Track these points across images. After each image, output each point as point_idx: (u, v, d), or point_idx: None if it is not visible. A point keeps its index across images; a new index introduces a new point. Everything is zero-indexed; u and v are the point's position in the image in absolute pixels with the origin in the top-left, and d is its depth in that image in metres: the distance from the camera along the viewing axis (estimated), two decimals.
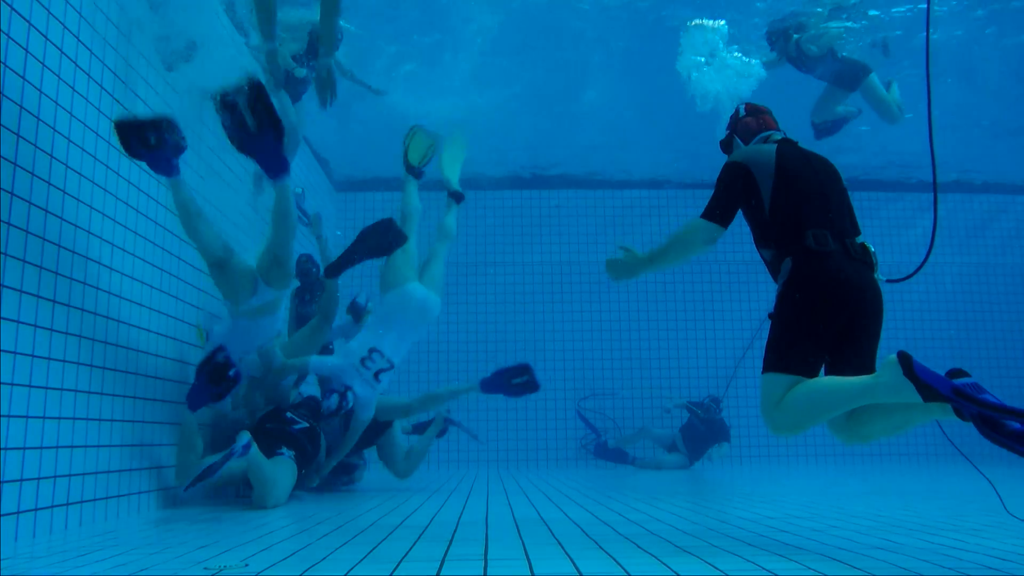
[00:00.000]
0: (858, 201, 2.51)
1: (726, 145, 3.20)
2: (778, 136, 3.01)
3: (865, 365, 2.57)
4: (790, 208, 2.69)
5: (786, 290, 2.64)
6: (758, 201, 2.73)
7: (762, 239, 2.79)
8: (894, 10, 7.23)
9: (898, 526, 3.13)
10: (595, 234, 9.88)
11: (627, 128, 8.83)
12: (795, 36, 6.93)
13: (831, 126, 7.55)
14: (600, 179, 9.99)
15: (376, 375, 5.05)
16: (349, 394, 4.92)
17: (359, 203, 9.85)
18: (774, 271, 2.76)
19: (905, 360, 2.16)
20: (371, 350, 5.07)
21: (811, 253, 2.61)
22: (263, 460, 4.19)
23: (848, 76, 7.05)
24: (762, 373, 2.61)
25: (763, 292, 9.61)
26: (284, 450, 4.63)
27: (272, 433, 4.67)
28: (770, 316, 2.71)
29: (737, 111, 3.18)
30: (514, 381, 5.68)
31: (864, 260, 2.68)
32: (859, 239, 2.74)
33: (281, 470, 4.42)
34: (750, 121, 3.10)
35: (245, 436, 4.15)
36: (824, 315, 2.55)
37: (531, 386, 5.64)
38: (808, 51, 6.87)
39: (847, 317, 2.57)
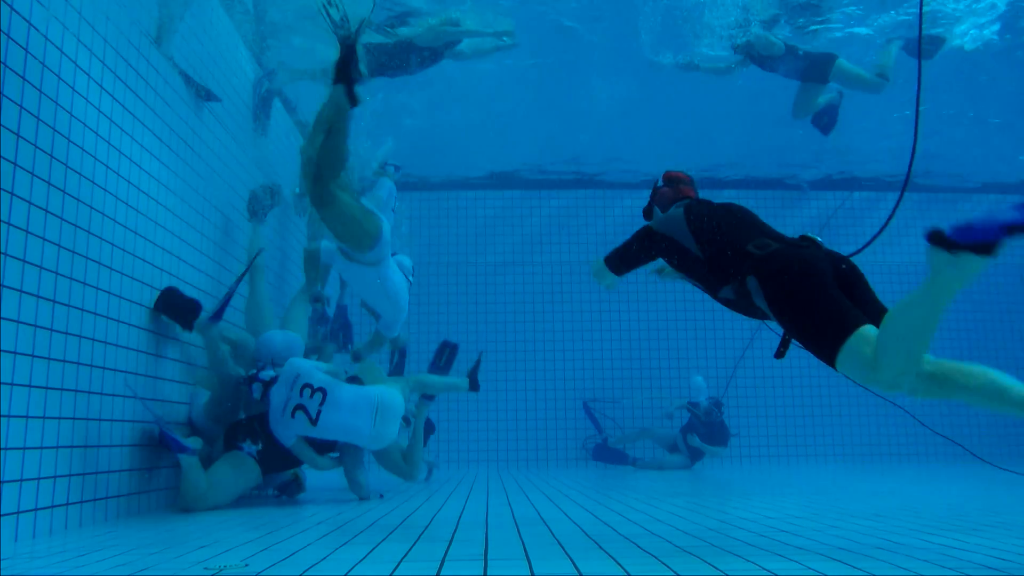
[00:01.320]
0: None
1: (647, 213, 3.42)
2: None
3: (881, 311, 2.54)
4: (720, 241, 2.78)
5: (773, 294, 2.61)
6: (691, 255, 2.86)
7: (715, 282, 2.83)
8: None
9: (898, 526, 3.13)
10: (597, 235, 9.88)
11: (632, 129, 8.83)
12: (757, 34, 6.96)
13: (827, 118, 7.54)
14: (603, 180, 9.99)
15: (295, 409, 4.44)
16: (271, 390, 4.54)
17: None
18: (745, 298, 2.75)
19: (936, 234, 2.05)
20: (318, 390, 4.47)
21: (762, 257, 2.65)
22: (193, 468, 4.06)
23: (815, 70, 7.05)
24: (835, 358, 2.42)
25: None
26: (247, 444, 4.43)
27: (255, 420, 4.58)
28: (784, 340, 2.66)
29: (656, 181, 3.38)
30: (440, 363, 5.97)
31: (812, 244, 2.71)
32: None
33: (223, 471, 4.28)
34: (667, 191, 3.31)
35: (198, 442, 4.20)
36: (815, 279, 2.54)
37: (454, 351, 6.05)
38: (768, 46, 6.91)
39: (830, 279, 2.55)
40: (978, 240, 1.98)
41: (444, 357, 6.08)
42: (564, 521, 3.39)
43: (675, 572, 2.09)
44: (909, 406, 8.52)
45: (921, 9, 3.11)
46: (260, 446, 4.47)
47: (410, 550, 2.54)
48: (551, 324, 9.65)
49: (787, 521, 3.34)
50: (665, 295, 9.61)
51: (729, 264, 2.74)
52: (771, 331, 2.83)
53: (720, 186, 9.89)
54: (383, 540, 2.80)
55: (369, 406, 4.54)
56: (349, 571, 2.15)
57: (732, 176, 10.00)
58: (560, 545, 2.64)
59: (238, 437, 4.48)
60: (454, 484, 6.01)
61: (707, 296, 3.11)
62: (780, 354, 2.77)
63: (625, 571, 2.11)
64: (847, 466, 9.02)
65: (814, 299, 2.50)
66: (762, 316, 2.82)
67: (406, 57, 6.64)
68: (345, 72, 4.05)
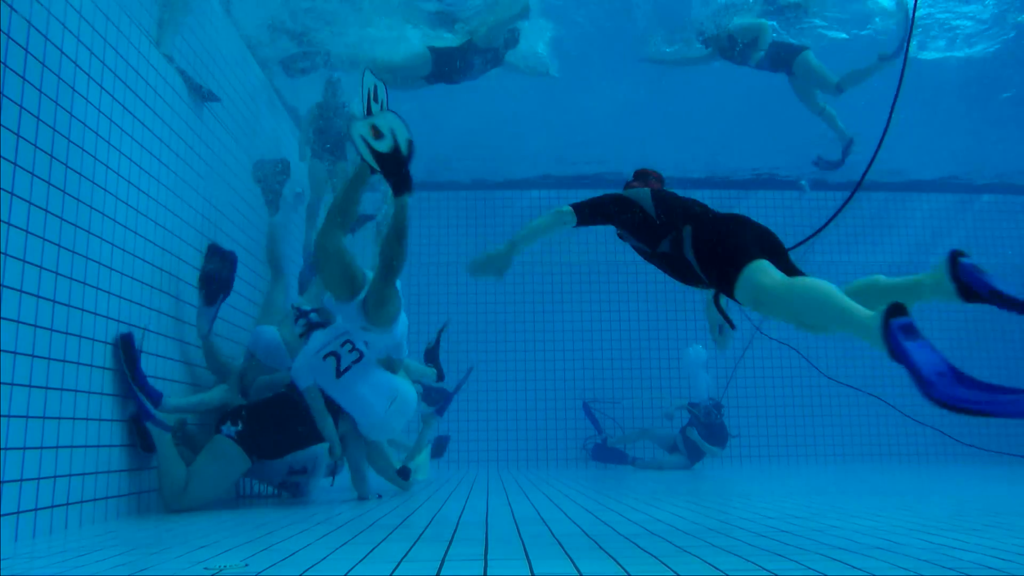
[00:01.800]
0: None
1: None
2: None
3: (788, 266, 2.94)
4: (669, 206, 3.27)
5: (700, 240, 3.08)
6: (647, 215, 3.29)
7: (659, 237, 3.27)
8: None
9: (898, 526, 3.13)
10: (597, 234, 9.87)
11: (633, 129, 8.83)
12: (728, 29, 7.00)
13: (833, 164, 7.58)
14: (604, 179, 9.99)
15: (328, 355, 4.50)
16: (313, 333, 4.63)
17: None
18: (678, 248, 3.18)
19: (889, 314, 2.21)
20: (357, 351, 4.56)
21: (701, 213, 3.19)
22: (168, 448, 3.98)
23: (780, 59, 7.10)
24: (735, 284, 2.83)
25: None
26: (227, 426, 4.28)
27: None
28: (712, 256, 3.04)
29: (629, 178, 3.87)
30: (462, 385, 6.30)
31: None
32: None
33: (202, 459, 4.16)
34: (635, 184, 3.75)
35: (170, 419, 4.08)
36: (736, 230, 3.01)
37: (468, 373, 6.44)
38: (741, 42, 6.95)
39: (751, 234, 2.98)
40: (902, 361, 2.14)
41: (464, 380, 6.36)
42: (564, 521, 3.39)
43: (675, 572, 2.09)
44: (908, 408, 8.56)
45: (912, 23, 3.15)
46: (240, 427, 4.29)
47: (410, 550, 2.54)
48: (551, 324, 9.65)
49: (787, 521, 3.34)
50: (665, 296, 9.61)
51: (674, 220, 3.21)
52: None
53: (721, 186, 9.90)
54: (383, 540, 2.80)
55: (390, 392, 4.60)
56: (349, 571, 2.15)
57: (733, 176, 10.00)
58: (560, 545, 2.64)
59: (221, 422, 4.34)
60: (454, 484, 6.02)
61: (707, 297, 3.32)
62: (730, 324, 3.30)
63: (625, 571, 2.11)
64: (847, 466, 9.02)
65: (730, 241, 2.95)
66: (686, 271, 3.21)
67: (471, 60, 6.73)
68: (406, 181, 3.93)
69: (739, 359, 9.52)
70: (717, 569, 2.12)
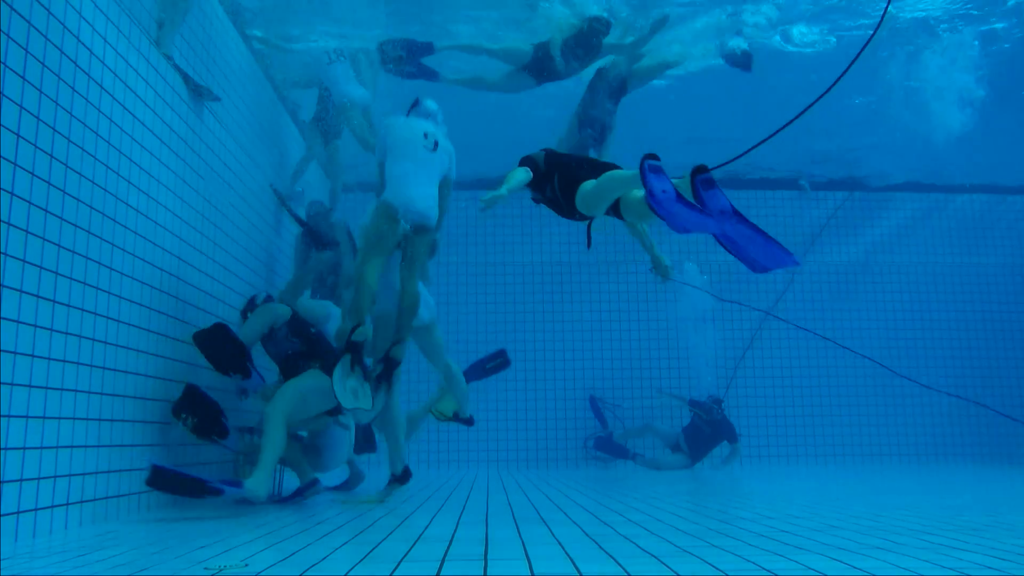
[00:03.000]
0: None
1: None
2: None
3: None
4: (550, 162, 4.19)
5: (561, 181, 4.00)
6: (539, 167, 4.21)
7: (544, 185, 4.17)
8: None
9: (898, 526, 3.13)
10: (597, 234, 9.85)
11: (632, 127, 8.82)
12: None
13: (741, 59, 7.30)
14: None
15: None
16: None
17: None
18: (554, 192, 4.08)
19: (643, 163, 3.10)
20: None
21: (565, 163, 4.13)
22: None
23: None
24: (575, 199, 3.88)
25: (762, 293, 9.62)
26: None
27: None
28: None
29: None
30: (488, 365, 6.35)
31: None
32: None
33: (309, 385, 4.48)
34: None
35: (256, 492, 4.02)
36: (577, 168, 4.01)
37: (504, 365, 6.48)
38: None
39: (582, 166, 4.03)
40: (645, 184, 3.06)
41: (495, 363, 6.42)
42: (564, 521, 3.39)
43: (675, 572, 2.09)
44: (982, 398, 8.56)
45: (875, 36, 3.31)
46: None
47: (410, 550, 2.54)
48: (552, 324, 9.64)
49: (787, 521, 3.34)
50: (665, 295, 9.61)
51: (551, 171, 4.12)
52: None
53: (722, 185, 9.89)
54: (383, 540, 2.80)
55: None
56: (349, 571, 2.16)
57: (734, 175, 9.99)
58: (560, 545, 2.64)
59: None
60: (454, 484, 6.02)
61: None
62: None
63: (625, 571, 2.11)
64: (847, 466, 9.02)
65: (573, 176, 3.95)
66: (563, 207, 4.05)
67: (568, 54, 6.81)
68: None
69: (740, 360, 9.52)
70: (717, 569, 2.12)
